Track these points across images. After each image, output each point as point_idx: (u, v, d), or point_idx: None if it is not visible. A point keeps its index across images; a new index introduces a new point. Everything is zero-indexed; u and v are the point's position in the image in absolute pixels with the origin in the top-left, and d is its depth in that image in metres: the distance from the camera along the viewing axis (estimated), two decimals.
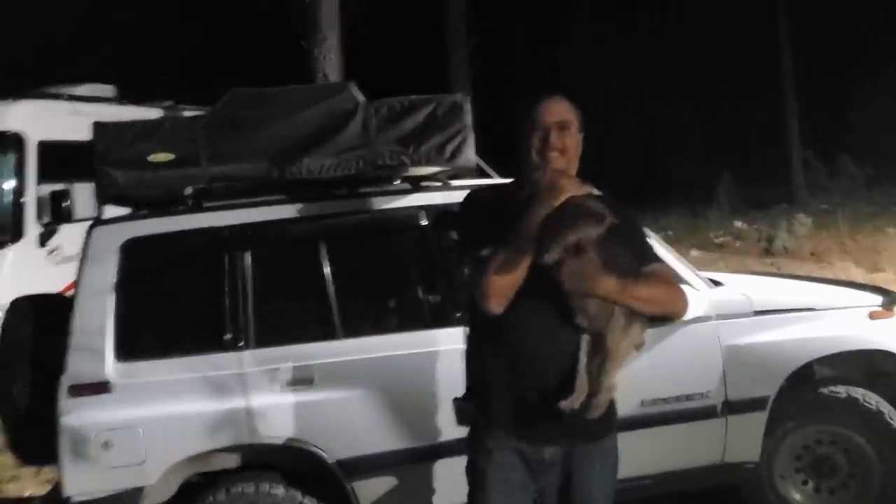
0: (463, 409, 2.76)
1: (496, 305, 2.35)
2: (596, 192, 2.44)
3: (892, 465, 3.91)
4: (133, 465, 3.39)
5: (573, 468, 2.51)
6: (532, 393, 2.43)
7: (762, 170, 18.57)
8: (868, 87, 17.78)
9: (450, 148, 3.70)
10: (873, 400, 3.95)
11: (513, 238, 2.31)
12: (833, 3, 18.65)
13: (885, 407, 3.94)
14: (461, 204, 2.64)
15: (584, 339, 2.40)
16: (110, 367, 3.45)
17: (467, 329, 2.70)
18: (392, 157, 3.69)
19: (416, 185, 3.87)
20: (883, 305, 4.10)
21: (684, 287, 2.88)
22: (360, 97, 3.77)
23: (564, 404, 2.38)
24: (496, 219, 2.41)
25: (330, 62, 9.27)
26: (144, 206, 3.74)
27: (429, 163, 3.73)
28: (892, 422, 3.92)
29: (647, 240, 2.73)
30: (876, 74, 17.64)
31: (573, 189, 2.33)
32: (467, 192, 2.73)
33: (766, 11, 18.40)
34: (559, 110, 2.47)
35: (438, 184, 3.92)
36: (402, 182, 3.89)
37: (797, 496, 4.03)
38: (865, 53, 18.20)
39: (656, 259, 2.62)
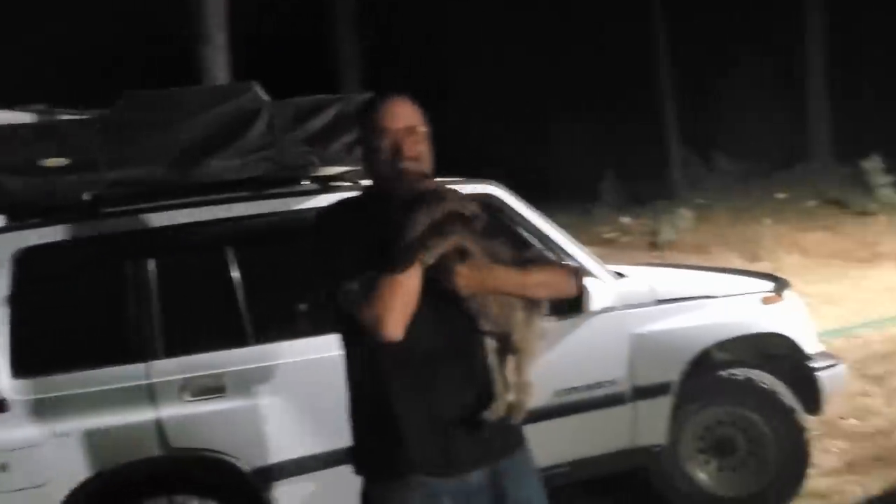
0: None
1: (396, 330, 2.09)
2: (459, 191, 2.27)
3: (786, 441, 4.13)
4: (33, 488, 3.21)
5: (506, 486, 2.30)
6: (453, 412, 2.22)
7: (643, 167, 19.23)
8: (740, 87, 18.68)
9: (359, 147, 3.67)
10: (767, 380, 4.17)
11: (398, 253, 2.09)
12: (708, 4, 19.48)
13: (779, 387, 4.16)
14: (316, 229, 2.31)
15: (491, 343, 2.29)
16: (6, 384, 3.25)
17: (347, 369, 2.34)
18: (299, 157, 3.64)
19: (325, 185, 3.82)
20: (774, 291, 4.33)
21: (590, 278, 2.91)
22: (265, 97, 3.70)
23: (489, 414, 2.23)
24: (363, 238, 2.17)
25: (218, 63, 9.05)
26: (37, 214, 3.55)
27: (338, 162, 3.70)
28: (784, 401, 4.14)
29: (518, 230, 2.75)
30: (747, 74, 18.56)
31: (439, 194, 2.16)
32: (318, 211, 2.42)
33: (642, 13, 19.09)
34: (405, 114, 2.27)
35: (348, 184, 3.88)
36: (310, 183, 3.83)
37: (701, 475, 4.20)
38: (737, 54, 19.10)
39: (530, 247, 2.64)
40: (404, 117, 2.26)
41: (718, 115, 19.01)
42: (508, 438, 2.32)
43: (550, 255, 3.70)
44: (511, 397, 2.26)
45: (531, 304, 2.29)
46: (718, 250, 12.23)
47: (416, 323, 2.12)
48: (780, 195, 15.42)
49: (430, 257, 2.09)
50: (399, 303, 2.08)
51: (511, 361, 2.28)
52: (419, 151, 2.25)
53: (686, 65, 19.31)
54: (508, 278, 2.22)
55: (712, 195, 16.41)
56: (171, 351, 3.44)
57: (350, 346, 2.30)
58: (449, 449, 2.22)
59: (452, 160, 4.03)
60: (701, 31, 19.17)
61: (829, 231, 12.22)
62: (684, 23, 18.84)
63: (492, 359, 2.27)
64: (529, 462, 2.39)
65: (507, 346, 2.28)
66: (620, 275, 4.21)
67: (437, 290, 2.13)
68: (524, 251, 2.44)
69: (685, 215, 14.16)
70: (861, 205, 13.10)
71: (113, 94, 3.66)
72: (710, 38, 19.32)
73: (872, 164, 13.13)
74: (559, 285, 2.34)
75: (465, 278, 2.13)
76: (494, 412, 2.23)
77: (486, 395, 2.24)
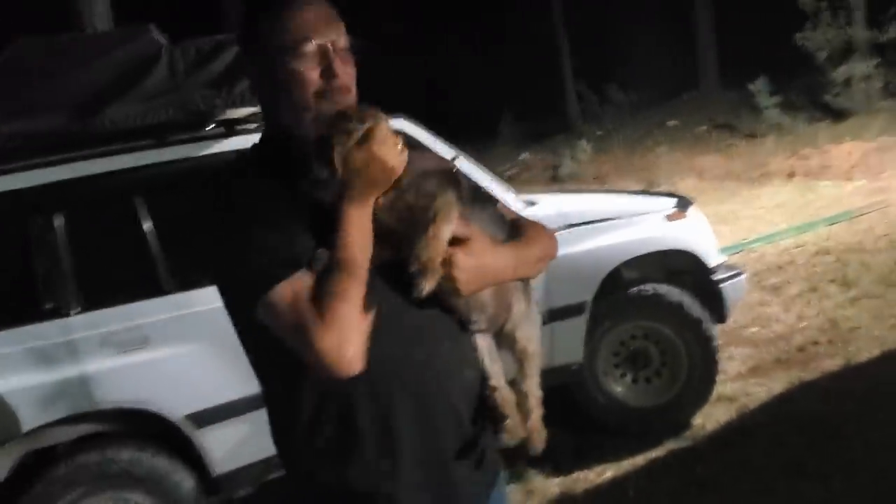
0: None
1: (355, 362, 1.43)
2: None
3: (695, 350, 4.35)
4: None
5: None
6: (448, 442, 1.61)
7: (539, 103, 19.43)
8: (629, 18, 18.99)
9: None
10: (675, 294, 4.36)
11: (343, 255, 1.43)
12: None
13: (686, 299, 4.37)
14: (218, 212, 1.56)
15: (484, 344, 1.67)
16: None
17: (276, 399, 1.63)
18: (203, 101, 3.55)
19: (231, 128, 3.75)
20: (677, 208, 4.51)
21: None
22: (163, 40, 3.58)
23: (507, 437, 1.65)
24: (280, 228, 1.46)
25: (98, 13, 8.63)
26: None
27: (243, 104, 3.63)
28: (692, 312, 4.35)
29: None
30: (635, 4, 18.85)
31: (394, 147, 1.48)
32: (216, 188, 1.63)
33: None
34: (328, 20, 1.56)
35: (254, 126, 3.82)
36: (215, 127, 3.76)
37: (618, 388, 4.40)
38: None
39: (493, 198, 1.91)
40: (328, 25, 1.55)
41: (610, 47, 19.31)
42: (496, 462, 1.75)
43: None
44: (533, 416, 1.69)
45: (527, 288, 1.72)
46: (617, 179, 12.59)
47: (387, 331, 1.49)
48: (673, 122, 15.92)
49: (432, 277, 1.46)
50: (355, 322, 1.42)
51: (522, 368, 1.69)
52: (350, 78, 1.57)
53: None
54: (511, 261, 1.60)
55: (608, 126, 16.77)
56: (89, 305, 3.37)
57: (287, 373, 1.53)
58: (446, 488, 1.61)
59: None
60: None
61: (721, 154, 12.70)
62: None
63: (489, 364, 1.66)
64: (503, 485, 1.83)
65: (506, 346, 1.70)
66: (531, 203, 4.30)
67: (403, 283, 1.48)
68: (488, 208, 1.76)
69: (583, 147, 14.47)
70: (750, 127, 13.63)
71: None
72: None
73: (758, 87, 13.63)
74: (551, 251, 1.75)
75: (467, 273, 1.48)
76: (512, 435, 1.65)
77: (484, 416, 1.66)
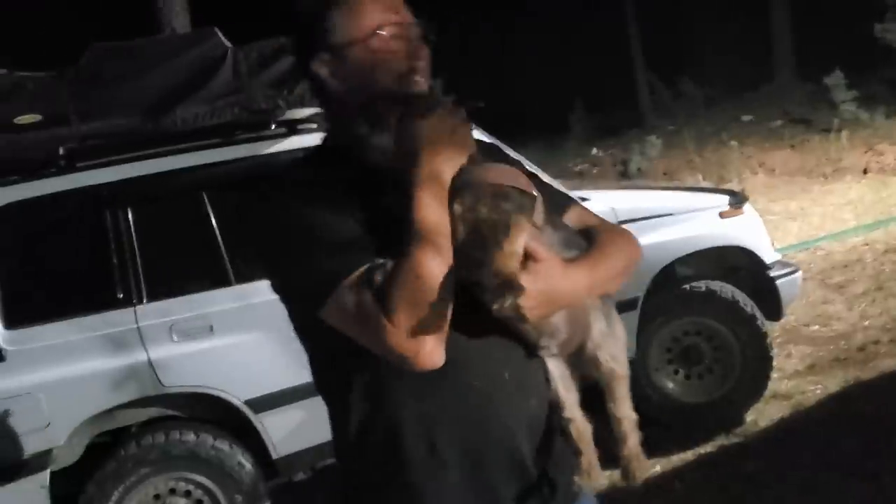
0: None
1: (435, 353, 1.32)
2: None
3: (749, 347, 4.35)
4: (37, 430, 3.37)
5: None
6: (500, 479, 1.46)
7: (611, 96, 19.26)
8: (703, 10, 18.68)
9: None
10: (729, 291, 4.37)
11: (423, 239, 1.31)
12: None
13: (740, 296, 4.36)
14: (273, 207, 1.44)
15: (557, 370, 1.50)
16: (0, 335, 3.39)
17: (338, 394, 1.50)
18: (267, 101, 3.73)
19: (293, 128, 3.92)
20: (731, 205, 4.51)
21: None
22: (227, 43, 3.77)
23: (583, 479, 1.50)
24: (343, 226, 1.38)
25: (176, 15, 8.97)
26: (15, 171, 3.63)
27: (304, 105, 3.79)
28: (746, 309, 4.34)
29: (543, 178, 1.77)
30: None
31: (465, 136, 1.40)
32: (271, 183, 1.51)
33: None
34: (399, 2, 1.49)
35: (315, 126, 3.98)
36: (278, 126, 3.93)
37: (670, 384, 4.43)
38: None
39: (569, 199, 1.67)
40: (402, 7, 1.48)
41: (682, 40, 19.04)
42: (573, 494, 1.56)
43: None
44: (629, 443, 1.51)
45: (607, 303, 1.54)
46: (687, 175, 12.44)
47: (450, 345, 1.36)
48: (747, 117, 15.58)
49: (506, 298, 1.31)
50: (434, 315, 1.30)
51: (611, 391, 1.52)
52: (428, 64, 1.49)
53: None
54: (585, 280, 1.43)
55: (680, 121, 16.54)
56: (157, 294, 3.58)
57: (344, 369, 1.46)
58: None
59: None
60: None
61: (794, 149, 12.41)
62: None
63: (566, 395, 1.50)
64: None
65: (581, 370, 1.52)
66: (583, 199, 4.35)
67: (468, 301, 1.35)
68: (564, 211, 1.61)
69: (654, 143, 14.30)
70: (825, 122, 13.26)
71: (75, 51, 3.73)
72: None
73: (834, 81, 13.26)
74: (633, 259, 1.58)
75: (533, 299, 1.31)
76: (587, 476, 1.50)
77: (551, 447, 1.52)
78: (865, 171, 10.37)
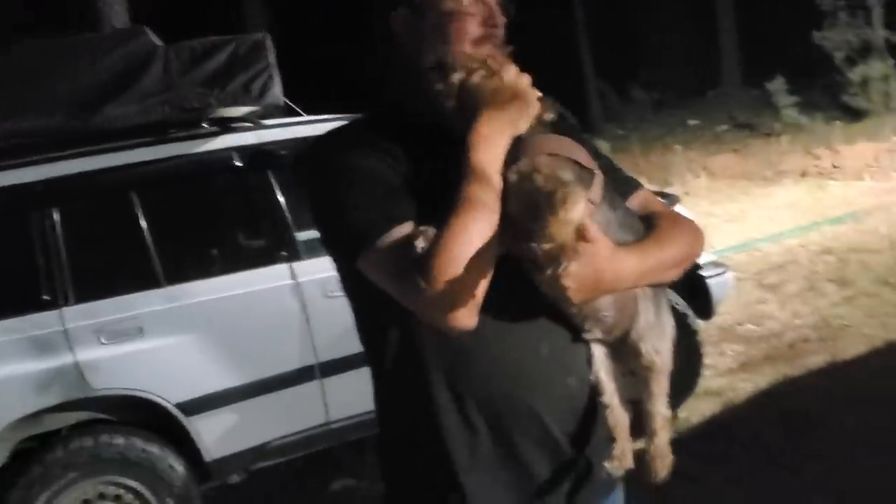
0: None
1: (468, 316, 1.28)
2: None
3: (681, 344, 4.40)
4: None
5: None
6: (543, 465, 1.44)
7: (561, 103, 19.43)
8: (652, 18, 18.97)
9: (256, 86, 3.75)
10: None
11: (470, 199, 1.27)
12: None
13: (671, 294, 4.43)
14: (318, 163, 1.45)
15: (600, 354, 1.47)
16: None
17: (371, 346, 1.50)
18: (198, 99, 3.69)
19: (225, 126, 3.89)
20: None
21: None
22: (158, 41, 3.74)
23: (614, 466, 1.46)
24: (402, 176, 1.38)
25: (116, 13, 8.84)
26: None
27: (236, 103, 3.77)
28: (677, 307, 4.39)
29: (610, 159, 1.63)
30: (658, 4, 18.84)
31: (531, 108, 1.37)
32: (311, 133, 1.69)
33: None
34: None
35: (248, 124, 3.96)
36: (210, 125, 3.90)
37: None
38: None
39: (636, 184, 1.59)
40: None
41: (632, 46, 19.30)
42: (609, 480, 1.53)
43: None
44: (658, 440, 1.49)
45: (658, 294, 1.50)
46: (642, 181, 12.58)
47: (486, 314, 1.32)
48: (693, 121, 15.86)
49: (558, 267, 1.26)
50: (474, 276, 1.26)
51: (631, 382, 1.51)
52: (503, 35, 1.49)
53: None
54: (636, 267, 1.37)
55: (629, 126, 16.77)
56: (85, 296, 3.52)
57: (380, 323, 1.44)
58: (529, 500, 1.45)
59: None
60: None
61: (737, 153, 12.66)
62: None
63: (602, 378, 1.47)
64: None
65: (624, 359, 1.49)
66: None
67: (514, 273, 1.33)
68: (628, 195, 1.53)
69: (602, 146, 14.43)
70: (767, 126, 13.58)
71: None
72: None
73: (777, 87, 13.57)
74: (694, 251, 1.51)
75: (579, 281, 1.27)
76: (619, 461, 1.47)
77: (590, 435, 1.49)
78: (804, 175, 10.63)
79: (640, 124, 16.71)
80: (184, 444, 3.64)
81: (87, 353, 3.47)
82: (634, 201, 1.53)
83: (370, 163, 1.37)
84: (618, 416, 1.46)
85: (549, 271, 1.25)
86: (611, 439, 1.46)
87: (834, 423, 3.90)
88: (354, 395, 3.82)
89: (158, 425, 3.62)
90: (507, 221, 1.29)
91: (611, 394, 1.46)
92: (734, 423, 4.19)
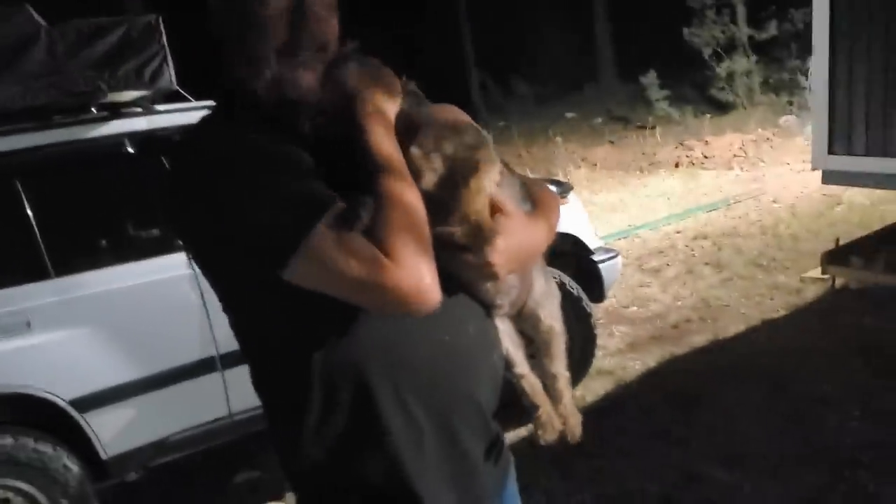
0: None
1: (435, 289, 1.20)
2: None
3: (575, 326, 4.57)
4: None
5: None
6: (470, 435, 1.41)
7: (442, 94, 19.56)
8: (533, 12, 19.37)
9: (148, 71, 3.64)
10: (556, 274, 4.56)
11: (390, 175, 1.23)
12: None
13: (566, 279, 4.57)
14: (201, 175, 1.26)
15: (505, 328, 1.48)
16: None
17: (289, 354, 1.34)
18: (86, 83, 3.54)
19: (116, 111, 3.75)
20: (559, 194, 4.73)
21: None
22: (41, 21, 3.55)
23: (546, 433, 1.47)
24: (292, 172, 1.24)
25: None
26: None
27: (127, 87, 3.64)
28: (572, 291, 4.54)
29: None
30: (536, 2, 19.25)
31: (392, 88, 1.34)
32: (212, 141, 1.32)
33: None
34: None
35: (138, 109, 3.83)
36: (99, 110, 3.75)
37: None
38: None
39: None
40: None
41: (513, 40, 19.65)
42: (509, 456, 1.56)
43: None
44: (565, 399, 1.52)
45: (542, 261, 1.52)
46: (516, 170, 12.85)
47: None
48: (571, 115, 16.33)
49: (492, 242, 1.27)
50: (425, 236, 1.21)
51: (549, 348, 1.52)
52: (331, 32, 1.34)
53: None
54: (543, 238, 1.40)
55: (511, 118, 17.08)
56: None
57: (291, 353, 1.32)
58: (471, 488, 1.42)
59: None
60: None
61: (613, 145, 13.16)
62: None
63: (515, 352, 1.48)
64: (514, 481, 1.62)
65: (525, 328, 1.51)
66: None
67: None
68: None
69: None
70: (641, 119, 14.15)
71: None
72: None
73: (649, 81, 14.16)
74: (559, 210, 1.54)
75: (505, 256, 1.27)
76: (548, 429, 1.47)
77: (503, 403, 1.48)
78: (677, 165, 11.16)
79: (523, 117, 17.05)
80: (78, 443, 3.50)
81: None
82: None
83: (260, 153, 1.23)
84: (533, 384, 1.47)
85: (474, 251, 1.23)
86: (533, 407, 1.47)
87: (717, 398, 4.15)
88: None
89: (51, 423, 3.46)
90: (433, 203, 1.24)
91: (521, 363, 1.47)
92: (626, 400, 4.38)
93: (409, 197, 1.21)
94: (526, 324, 1.49)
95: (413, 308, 1.19)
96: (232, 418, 3.82)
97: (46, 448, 3.41)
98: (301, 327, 1.28)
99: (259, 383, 1.41)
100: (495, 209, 1.26)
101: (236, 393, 3.78)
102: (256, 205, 1.18)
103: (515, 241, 1.28)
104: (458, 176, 1.25)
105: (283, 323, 1.29)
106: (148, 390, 3.62)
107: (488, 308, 1.42)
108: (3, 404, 3.41)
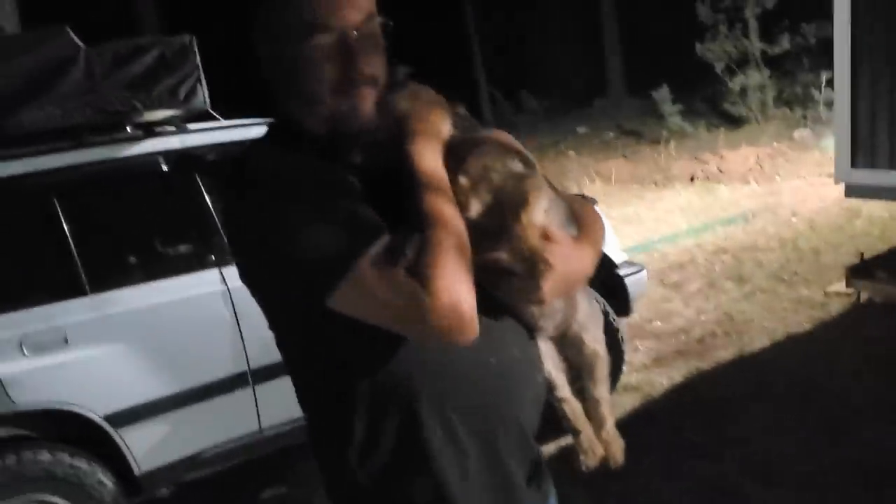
0: None
1: (473, 324, 1.21)
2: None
3: None
4: None
5: None
6: (513, 458, 1.40)
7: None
8: (541, 29, 19.47)
9: (183, 90, 3.69)
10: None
11: (434, 207, 1.23)
12: None
13: (593, 293, 4.58)
14: (252, 202, 1.28)
15: (548, 350, 1.47)
16: None
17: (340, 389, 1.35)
18: (122, 102, 3.59)
19: (150, 130, 3.80)
20: None
21: None
22: (80, 43, 3.61)
23: (588, 458, 1.47)
24: (340, 201, 1.25)
25: (5, 10, 8.45)
26: None
27: (162, 106, 3.69)
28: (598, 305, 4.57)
29: None
30: (546, 16, 19.35)
31: (440, 124, 1.33)
32: (240, 161, 1.36)
33: None
34: None
35: (172, 128, 3.88)
36: (134, 129, 3.79)
37: None
38: None
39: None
40: (352, 3, 1.31)
41: (523, 56, 19.75)
42: (549, 482, 1.55)
43: None
44: (608, 425, 1.51)
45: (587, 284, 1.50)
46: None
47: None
48: (582, 129, 16.37)
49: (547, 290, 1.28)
50: (466, 271, 1.21)
51: (592, 372, 1.51)
52: (378, 67, 1.34)
53: (490, 7, 19.85)
54: (591, 262, 1.41)
55: (521, 132, 17.14)
56: (3, 307, 3.35)
57: (345, 364, 1.32)
58: None
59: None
60: None
61: (627, 159, 13.16)
62: None
63: (556, 375, 1.47)
64: None
65: (568, 352, 1.50)
66: None
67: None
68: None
69: None
70: (654, 133, 14.18)
71: None
72: None
73: (662, 96, 14.20)
74: (604, 230, 1.55)
75: (553, 283, 1.28)
76: (589, 455, 1.47)
77: (538, 433, 1.46)
78: (692, 179, 11.16)
79: (532, 131, 17.11)
80: (112, 458, 3.52)
81: (9, 367, 3.31)
82: None
83: (313, 192, 1.25)
84: (574, 408, 1.46)
85: (526, 280, 1.24)
86: (575, 432, 1.46)
87: (747, 412, 4.15)
88: (286, 400, 3.82)
89: (86, 439, 3.49)
90: (470, 229, 1.25)
91: (563, 386, 1.47)
92: (655, 416, 4.38)
93: (452, 218, 1.23)
94: (569, 347, 1.49)
95: (452, 340, 1.21)
96: (262, 433, 3.84)
97: (82, 463, 3.43)
98: (346, 351, 1.30)
99: (304, 402, 1.43)
100: (545, 237, 1.27)
101: (267, 408, 3.81)
102: (305, 231, 1.21)
103: (564, 268, 1.29)
104: (507, 207, 1.25)
105: (328, 346, 1.31)
106: (181, 406, 3.64)
107: (532, 330, 1.43)
108: (41, 420, 3.45)
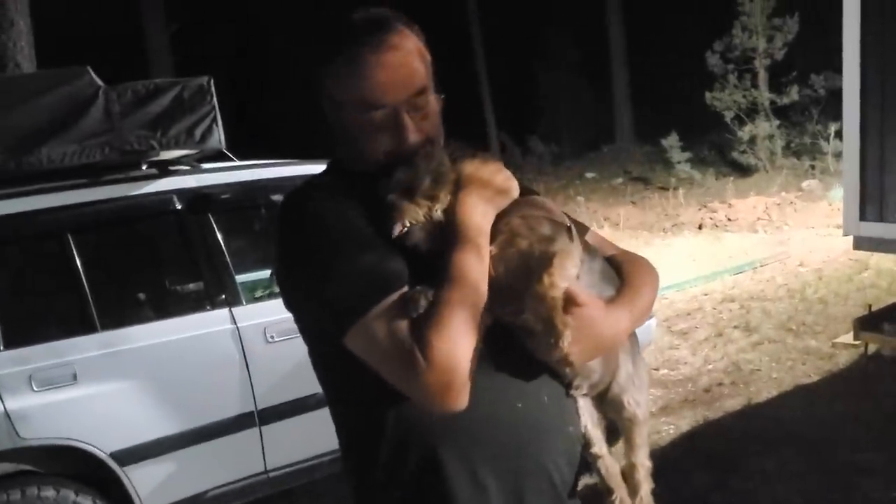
0: None
1: (463, 396, 1.25)
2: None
3: None
4: None
5: None
6: (538, 501, 1.39)
7: None
8: (551, 76, 19.67)
9: (199, 131, 3.74)
10: None
11: (463, 270, 1.26)
12: None
13: None
14: (293, 237, 1.37)
15: (586, 406, 1.46)
16: None
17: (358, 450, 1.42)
18: (139, 141, 3.65)
19: (165, 169, 3.85)
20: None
21: None
22: (100, 82, 3.68)
23: None
24: (370, 248, 1.31)
25: (22, 50, 8.60)
26: None
27: (178, 146, 3.74)
28: None
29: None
30: (556, 65, 19.56)
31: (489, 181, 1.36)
32: (284, 195, 1.45)
33: (458, 5, 19.71)
34: (409, 71, 1.39)
35: (187, 167, 3.93)
36: (150, 167, 3.84)
37: None
38: (546, 43, 20.05)
39: (585, 226, 1.57)
40: (408, 77, 1.38)
41: (532, 100, 19.94)
42: None
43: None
44: (643, 491, 1.49)
45: (634, 343, 1.49)
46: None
47: (478, 374, 1.27)
48: (591, 174, 16.47)
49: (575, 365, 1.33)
50: (467, 354, 1.24)
51: (630, 436, 1.50)
52: (433, 128, 1.42)
53: (500, 53, 20.10)
54: (626, 323, 1.40)
55: (530, 177, 17.23)
56: (15, 342, 3.38)
57: (370, 397, 1.35)
58: None
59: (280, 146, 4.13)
60: (511, 16, 19.99)
61: (635, 205, 13.22)
62: (496, 15, 19.63)
63: (593, 431, 1.46)
64: None
65: (608, 411, 1.49)
66: None
67: (501, 337, 1.34)
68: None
69: None
70: (662, 180, 14.25)
71: None
72: (519, 24, 20.18)
73: (671, 143, 14.30)
74: (657, 287, 1.53)
75: (579, 346, 1.29)
76: None
77: (575, 489, 1.45)
78: (701, 227, 11.18)
79: (540, 176, 17.21)
80: (117, 495, 3.51)
81: (18, 401, 3.32)
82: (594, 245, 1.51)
83: (346, 226, 1.32)
84: (609, 465, 1.45)
85: (544, 342, 1.26)
86: (608, 491, 1.46)
87: (754, 464, 4.11)
88: (292, 442, 3.83)
89: (91, 475, 3.48)
90: (494, 289, 1.28)
91: (599, 443, 1.46)
92: (662, 465, 4.30)
93: (476, 279, 1.26)
94: (609, 408, 1.48)
95: (436, 409, 1.25)
96: (267, 475, 3.83)
97: (86, 500, 3.42)
98: (373, 385, 1.30)
99: (338, 431, 1.47)
100: (569, 300, 1.28)
101: (273, 449, 3.79)
102: (332, 272, 1.28)
103: (591, 331, 1.30)
104: (532, 270, 1.28)
105: (357, 378, 1.33)
106: (187, 445, 3.64)
107: (566, 387, 1.42)
108: (47, 455, 3.44)
